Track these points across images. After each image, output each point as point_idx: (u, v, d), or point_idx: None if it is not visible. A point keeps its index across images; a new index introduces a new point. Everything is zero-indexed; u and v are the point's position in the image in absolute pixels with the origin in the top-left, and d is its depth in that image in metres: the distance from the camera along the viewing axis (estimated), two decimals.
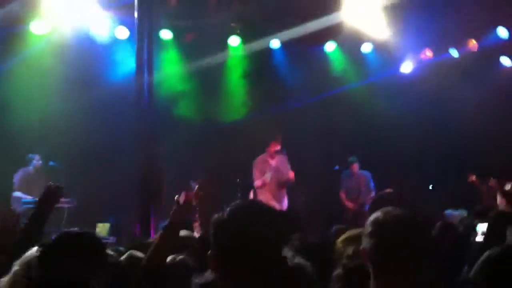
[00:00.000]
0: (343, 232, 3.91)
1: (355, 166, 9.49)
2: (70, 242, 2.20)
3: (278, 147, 8.20)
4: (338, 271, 3.14)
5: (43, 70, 8.54)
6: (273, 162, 8.25)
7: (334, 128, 10.27)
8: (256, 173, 8.24)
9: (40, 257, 2.10)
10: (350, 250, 2.72)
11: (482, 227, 3.91)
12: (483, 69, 10.17)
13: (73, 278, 1.52)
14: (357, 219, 8.63)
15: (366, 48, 10.52)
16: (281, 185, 8.27)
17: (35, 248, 2.37)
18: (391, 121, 10.22)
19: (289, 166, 8.37)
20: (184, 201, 2.76)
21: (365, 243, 1.93)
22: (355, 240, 2.65)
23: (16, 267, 2.21)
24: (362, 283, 2.30)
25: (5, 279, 2.22)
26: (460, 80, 10.00)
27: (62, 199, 7.87)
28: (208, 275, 2.24)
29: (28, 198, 7.92)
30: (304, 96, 10.37)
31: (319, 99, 10.44)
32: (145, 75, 6.47)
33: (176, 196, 2.77)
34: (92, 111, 8.62)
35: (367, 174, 9.51)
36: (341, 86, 10.61)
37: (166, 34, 9.58)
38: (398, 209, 1.97)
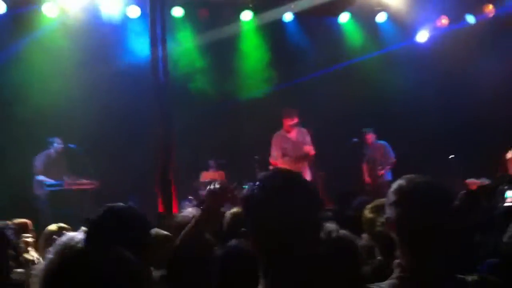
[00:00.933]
0: (367, 203, 3.92)
1: (369, 137, 9.44)
2: (116, 217, 2.18)
3: (295, 121, 8.11)
4: (364, 241, 3.14)
5: (56, 51, 8.53)
6: (291, 136, 8.18)
7: (350, 100, 10.16)
8: (274, 148, 8.19)
9: (88, 233, 2.10)
10: (382, 218, 2.70)
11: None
12: (501, 37, 9.93)
13: (122, 256, 1.48)
14: (378, 190, 8.62)
15: (381, 17, 10.36)
16: (300, 159, 8.20)
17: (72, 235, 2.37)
18: (407, 92, 10.13)
19: (309, 140, 8.27)
20: (217, 190, 2.66)
21: (390, 212, 1.86)
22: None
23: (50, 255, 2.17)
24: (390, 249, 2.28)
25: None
26: (477, 49, 9.82)
27: (85, 181, 8.02)
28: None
29: (51, 181, 8.00)
30: (319, 68, 10.27)
31: (334, 70, 10.35)
32: (159, 50, 6.43)
33: (210, 184, 2.70)
34: (107, 91, 8.60)
35: (384, 143, 9.45)
36: (356, 57, 10.49)
37: (177, 11, 9.51)
38: (421, 176, 1.90)
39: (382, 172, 9.22)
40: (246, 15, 9.91)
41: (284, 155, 8.10)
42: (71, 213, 7.11)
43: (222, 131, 9.30)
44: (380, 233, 2.72)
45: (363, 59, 10.50)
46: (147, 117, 7.37)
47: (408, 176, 1.90)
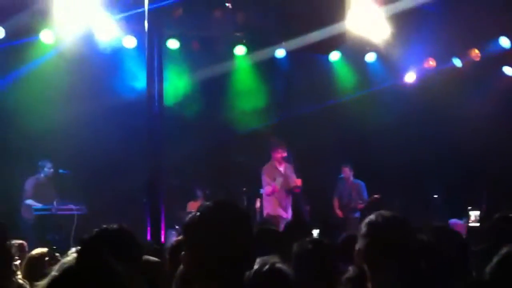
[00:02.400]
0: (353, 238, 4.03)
1: (347, 173, 9.60)
2: (110, 238, 2.25)
3: (285, 154, 8.25)
4: (348, 273, 3.24)
5: (53, 79, 8.63)
6: (281, 169, 8.30)
7: (337, 136, 10.36)
8: (265, 179, 8.24)
9: (79, 251, 2.14)
10: None
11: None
12: (486, 78, 10.26)
13: (111, 273, 1.57)
14: (346, 224, 8.78)
15: (370, 57, 10.64)
16: (289, 192, 8.31)
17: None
18: (395, 131, 10.32)
19: (294, 174, 8.42)
20: None
21: (360, 243, 2.04)
22: None
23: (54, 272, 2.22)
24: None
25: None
26: (463, 90, 10.09)
27: (72, 206, 8.05)
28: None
29: (39, 205, 8.01)
30: (308, 104, 10.47)
31: (323, 107, 10.56)
32: (156, 82, 6.57)
33: None
34: (100, 119, 8.71)
35: (361, 183, 9.61)
36: (345, 95, 10.71)
37: (173, 44, 9.69)
38: (390, 212, 2.09)
39: (362, 206, 9.32)
40: (240, 50, 10.13)
41: (275, 187, 8.16)
42: (58, 238, 7.13)
43: (212, 162, 9.41)
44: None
45: (352, 97, 10.73)
46: (138, 145, 7.45)
47: (379, 211, 2.10)
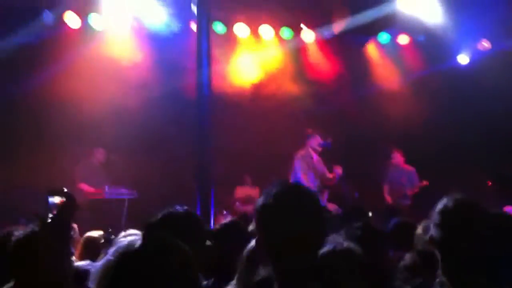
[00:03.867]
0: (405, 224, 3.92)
1: (397, 158, 9.34)
2: (176, 221, 2.19)
3: (321, 143, 8.10)
4: (405, 261, 3.14)
5: (102, 66, 8.73)
6: (314, 160, 8.12)
7: (388, 121, 10.13)
8: (303, 166, 8.03)
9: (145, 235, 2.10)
10: (426, 237, 2.74)
11: None
12: None
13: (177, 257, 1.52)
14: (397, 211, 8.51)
15: (421, 39, 10.33)
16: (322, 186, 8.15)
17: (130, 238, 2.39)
18: (446, 115, 10.02)
19: (325, 167, 8.22)
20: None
21: (434, 231, 1.97)
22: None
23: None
24: (432, 268, 2.30)
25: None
26: None
27: (123, 190, 8.18)
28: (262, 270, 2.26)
29: (91, 189, 8.20)
30: (357, 89, 10.28)
31: (372, 91, 10.35)
32: (205, 68, 6.54)
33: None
34: (150, 105, 8.76)
35: (412, 169, 9.33)
36: (395, 78, 10.46)
37: (219, 27, 9.67)
38: (466, 199, 2.00)
39: (411, 192, 9.11)
40: (286, 33, 10.03)
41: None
42: (109, 222, 7.24)
43: (260, 147, 9.34)
44: (423, 251, 2.76)
45: (403, 80, 10.48)
46: (188, 130, 7.46)
47: (453, 196, 1.98)
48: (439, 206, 1.99)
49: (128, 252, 1.48)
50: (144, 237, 1.77)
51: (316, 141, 8.06)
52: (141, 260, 1.45)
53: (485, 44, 10.32)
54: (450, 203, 1.97)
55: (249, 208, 8.45)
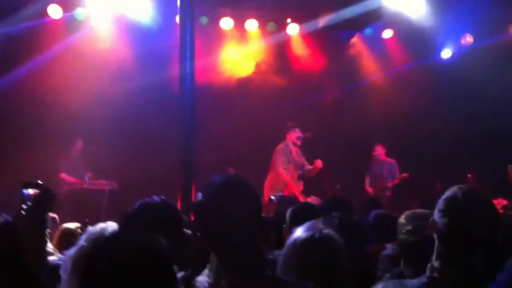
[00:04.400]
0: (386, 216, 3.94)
1: (379, 151, 9.44)
2: (152, 211, 2.19)
3: (300, 136, 8.20)
4: (387, 251, 3.17)
5: (84, 58, 8.67)
6: (293, 152, 8.25)
7: (371, 115, 10.19)
8: (283, 160, 8.19)
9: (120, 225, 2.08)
10: (410, 226, 2.76)
11: None
12: None
13: (155, 247, 1.54)
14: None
15: (405, 33, 10.36)
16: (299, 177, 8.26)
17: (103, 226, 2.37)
18: (429, 108, 10.09)
19: (303, 158, 8.37)
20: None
21: (437, 217, 1.95)
22: (419, 218, 2.71)
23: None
24: (418, 257, 2.32)
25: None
26: (502, 68, 9.74)
27: (103, 181, 8.16)
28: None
29: (72, 180, 8.16)
30: (341, 82, 10.32)
31: (355, 86, 10.39)
32: (188, 61, 6.51)
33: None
34: (133, 97, 8.71)
35: (393, 162, 9.43)
36: (379, 72, 10.51)
37: (203, 20, 9.61)
38: (469, 187, 2.00)
39: (390, 185, 9.19)
40: (270, 27, 10.02)
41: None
42: (89, 213, 7.22)
43: (244, 139, 9.34)
44: (405, 241, 2.77)
45: (386, 75, 10.52)
46: (170, 123, 7.43)
47: (460, 186, 1.99)
48: (447, 194, 1.98)
49: (99, 238, 1.50)
50: (121, 227, 1.78)
51: (295, 134, 8.18)
52: (113, 246, 1.47)
53: (469, 39, 10.38)
54: (457, 191, 1.97)
55: None
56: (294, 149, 8.21)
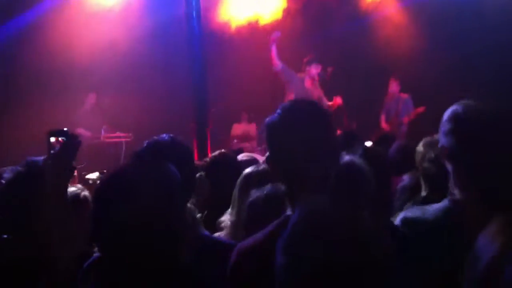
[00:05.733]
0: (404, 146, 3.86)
1: (393, 87, 9.20)
2: (160, 148, 2.16)
3: (318, 70, 7.52)
4: (404, 182, 3.12)
5: (89, 8, 8.49)
6: (308, 85, 7.54)
7: (386, 49, 9.95)
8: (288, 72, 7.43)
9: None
10: (431, 153, 2.68)
11: None
12: None
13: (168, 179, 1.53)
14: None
15: None
16: None
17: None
18: (447, 43, 9.79)
19: (324, 97, 7.77)
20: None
21: (445, 141, 1.80)
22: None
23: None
24: (439, 186, 2.23)
25: None
26: None
27: (120, 134, 8.17)
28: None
29: (88, 133, 8.19)
30: (356, 15, 10.04)
31: (371, 19, 10.11)
32: (194, 2, 6.37)
33: None
34: (143, 47, 8.58)
35: (408, 96, 9.16)
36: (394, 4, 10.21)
37: None
38: (478, 103, 1.82)
39: (407, 120, 9.06)
40: None
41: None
42: (108, 166, 7.28)
43: (256, 83, 9.20)
44: (426, 169, 2.71)
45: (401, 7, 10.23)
46: (183, 70, 7.35)
47: (464, 102, 1.82)
48: (448, 113, 1.82)
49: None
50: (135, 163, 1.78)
51: (314, 70, 7.55)
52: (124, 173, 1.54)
53: None
54: (464, 110, 1.79)
55: (246, 145, 8.46)
56: (309, 82, 7.59)
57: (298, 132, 1.67)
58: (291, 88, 7.34)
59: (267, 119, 1.75)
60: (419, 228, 1.83)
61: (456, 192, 1.78)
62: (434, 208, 1.84)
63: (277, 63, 7.18)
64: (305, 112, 1.73)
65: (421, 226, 1.84)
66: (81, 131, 8.17)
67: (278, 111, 1.73)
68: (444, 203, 1.84)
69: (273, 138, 1.73)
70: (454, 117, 1.80)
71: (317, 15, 9.96)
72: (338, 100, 7.85)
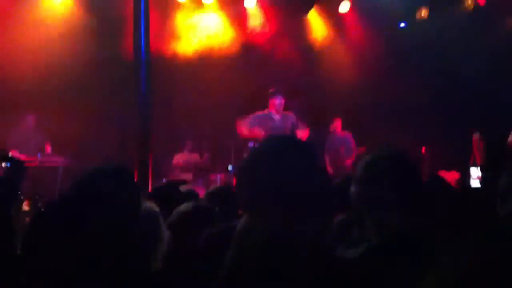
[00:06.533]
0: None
1: (336, 126, 9.28)
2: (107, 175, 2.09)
3: (283, 101, 7.27)
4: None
5: (32, 26, 8.30)
6: (277, 117, 7.33)
7: (331, 88, 10.20)
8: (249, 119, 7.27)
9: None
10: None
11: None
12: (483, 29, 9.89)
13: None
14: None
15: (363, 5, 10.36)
16: None
17: None
18: (388, 80, 10.14)
19: (298, 126, 7.34)
20: None
21: (353, 188, 1.90)
22: None
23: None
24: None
25: None
26: (456, 36, 9.87)
27: (57, 158, 7.92)
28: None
29: (23, 157, 7.85)
30: (300, 55, 10.27)
31: (316, 58, 10.35)
32: (142, 31, 6.33)
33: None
34: (87, 70, 8.42)
35: (347, 134, 9.27)
36: (335, 44, 10.51)
37: None
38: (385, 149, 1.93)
39: (349, 161, 9.03)
40: None
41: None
42: (43, 190, 7.02)
43: (202, 112, 9.21)
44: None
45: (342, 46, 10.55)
46: (126, 96, 7.24)
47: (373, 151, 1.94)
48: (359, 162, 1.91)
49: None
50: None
51: (276, 100, 7.26)
52: None
53: (424, 11, 10.45)
54: (368, 156, 1.90)
55: (188, 176, 8.38)
56: (277, 116, 7.31)
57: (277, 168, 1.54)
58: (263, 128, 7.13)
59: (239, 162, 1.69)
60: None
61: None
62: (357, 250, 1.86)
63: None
64: (282, 150, 1.61)
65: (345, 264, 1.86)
66: (15, 154, 7.86)
67: (253, 149, 1.70)
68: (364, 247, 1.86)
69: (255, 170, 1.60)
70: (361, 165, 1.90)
71: (261, 51, 10.13)
72: (303, 134, 7.30)
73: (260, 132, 6.96)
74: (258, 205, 1.55)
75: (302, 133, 7.14)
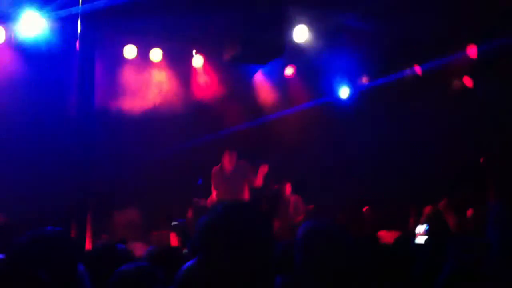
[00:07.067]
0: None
1: (286, 189, 9.38)
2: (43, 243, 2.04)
3: (234, 156, 7.83)
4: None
5: None
6: (229, 172, 7.82)
7: (269, 153, 10.32)
8: (212, 184, 7.87)
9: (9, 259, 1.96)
10: None
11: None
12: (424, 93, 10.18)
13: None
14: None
15: (305, 70, 10.71)
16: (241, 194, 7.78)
17: None
18: (327, 146, 10.39)
19: (251, 175, 7.93)
20: None
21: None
22: None
23: None
24: None
25: None
26: (395, 107, 10.29)
27: None
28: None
29: None
30: (244, 118, 10.39)
31: (258, 121, 10.52)
32: (86, 87, 6.31)
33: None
34: (24, 124, 8.21)
35: (296, 197, 9.41)
36: (278, 109, 10.72)
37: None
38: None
39: (298, 219, 9.11)
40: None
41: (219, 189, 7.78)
42: None
43: (150, 171, 9.09)
44: None
45: (285, 112, 10.77)
46: (66, 152, 7.08)
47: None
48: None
49: None
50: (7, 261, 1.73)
51: (227, 156, 7.83)
52: None
53: (365, 80, 10.91)
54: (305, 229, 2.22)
55: (129, 234, 8.16)
56: (231, 170, 7.80)
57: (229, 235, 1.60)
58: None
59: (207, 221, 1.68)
60: None
61: None
62: None
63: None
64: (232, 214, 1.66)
65: None
66: None
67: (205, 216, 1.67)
68: None
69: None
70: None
71: (208, 112, 10.22)
72: (256, 181, 7.83)
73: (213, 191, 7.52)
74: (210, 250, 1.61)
75: (259, 175, 7.67)
